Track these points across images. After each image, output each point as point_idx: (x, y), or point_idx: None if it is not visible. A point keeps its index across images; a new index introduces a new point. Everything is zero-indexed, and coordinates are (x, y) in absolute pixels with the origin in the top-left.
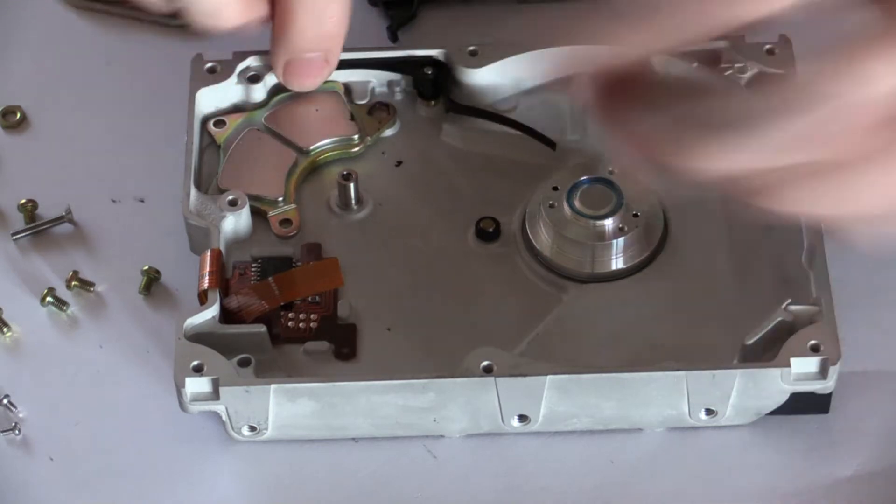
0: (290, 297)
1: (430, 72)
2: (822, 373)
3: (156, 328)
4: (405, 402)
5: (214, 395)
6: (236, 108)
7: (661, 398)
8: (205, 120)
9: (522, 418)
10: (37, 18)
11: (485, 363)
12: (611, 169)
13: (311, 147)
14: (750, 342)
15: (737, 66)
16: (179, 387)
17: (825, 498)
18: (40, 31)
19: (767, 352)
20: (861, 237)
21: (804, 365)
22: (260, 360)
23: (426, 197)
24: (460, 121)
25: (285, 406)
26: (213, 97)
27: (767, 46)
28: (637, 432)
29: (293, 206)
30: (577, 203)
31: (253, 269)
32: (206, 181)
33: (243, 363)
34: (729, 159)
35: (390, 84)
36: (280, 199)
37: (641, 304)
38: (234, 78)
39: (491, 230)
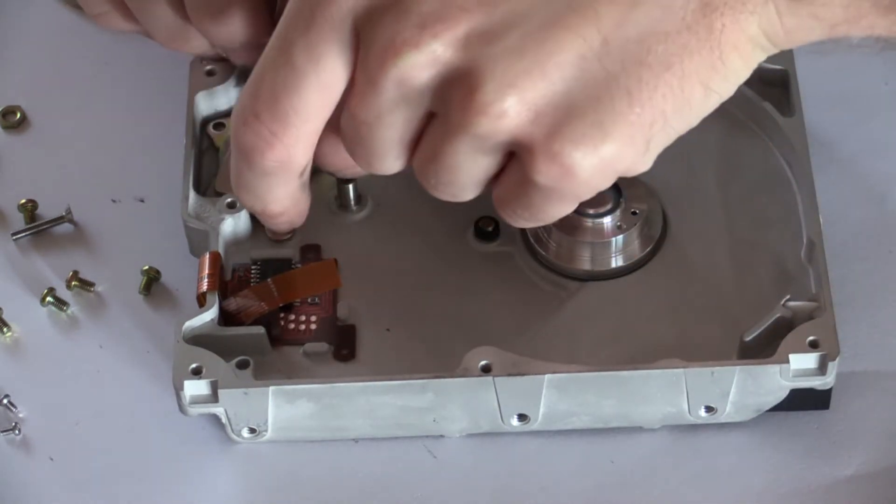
0: (288, 299)
1: None
2: (822, 369)
3: (156, 328)
4: (404, 403)
5: (213, 397)
6: None
7: (660, 396)
8: (204, 122)
9: (522, 417)
10: (37, 18)
11: (483, 362)
12: None
13: None
14: (749, 338)
15: None
16: (178, 390)
17: (825, 497)
18: (40, 31)
19: (766, 348)
20: None
21: (803, 361)
22: (259, 361)
23: (425, 197)
24: None
25: (284, 408)
26: (212, 100)
27: None
28: (637, 432)
29: None
30: None
31: (252, 271)
32: (206, 183)
33: (242, 365)
34: None
35: None
36: None
37: (640, 302)
38: (232, 80)
39: (490, 229)
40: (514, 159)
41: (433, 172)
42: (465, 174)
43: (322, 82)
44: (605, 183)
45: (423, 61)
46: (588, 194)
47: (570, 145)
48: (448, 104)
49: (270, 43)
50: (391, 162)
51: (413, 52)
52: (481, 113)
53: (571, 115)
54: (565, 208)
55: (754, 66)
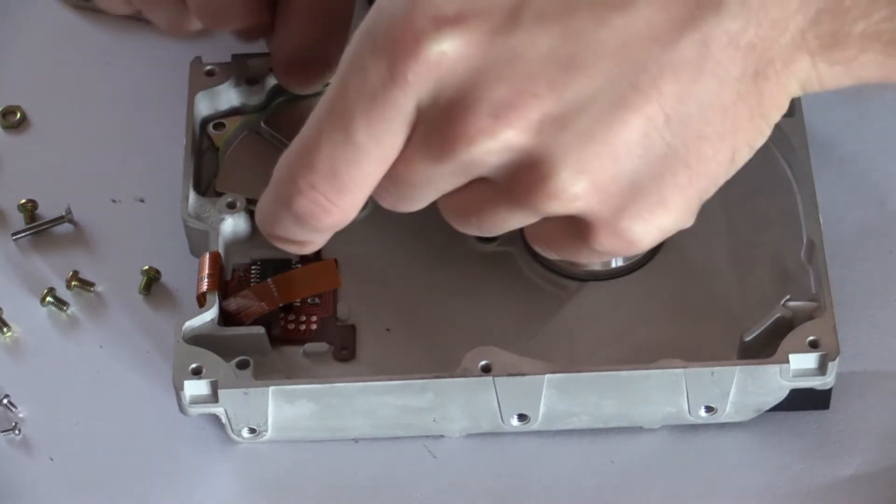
0: (288, 299)
1: None
2: (821, 369)
3: (156, 328)
4: (404, 403)
5: (213, 397)
6: (235, 111)
7: (660, 396)
8: (204, 122)
9: (522, 417)
10: (37, 18)
11: (483, 362)
12: None
13: None
14: (749, 338)
15: None
16: (178, 390)
17: (825, 497)
18: (40, 31)
19: (766, 348)
20: None
21: (803, 361)
22: (259, 361)
23: None
24: None
25: (284, 408)
26: (212, 100)
27: None
28: (637, 432)
29: None
30: None
31: (252, 272)
32: (206, 183)
33: (242, 365)
34: None
35: None
36: None
37: (641, 302)
38: (232, 80)
39: None
40: (571, 223)
41: (472, 223)
42: (508, 228)
43: (382, 156)
44: (657, 243)
45: (496, 148)
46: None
47: (632, 221)
48: (516, 183)
49: (325, 112)
50: (422, 205)
51: (487, 140)
52: (554, 197)
53: (635, 192)
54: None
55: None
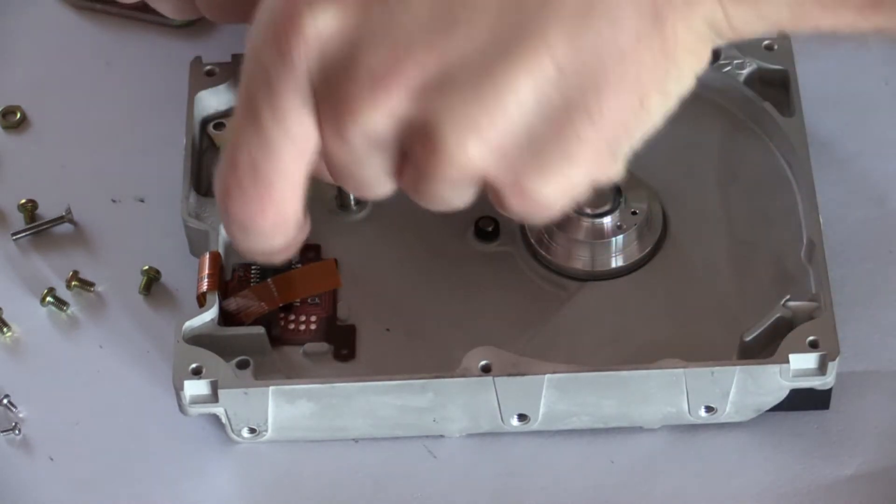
0: (288, 299)
1: None
2: (821, 369)
3: (156, 328)
4: (404, 403)
5: (213, 397)
6: None
7: (660, 395)
8: (204, 122)
9: (522, 417)
10: (37, 18)
11: (483, 362)
12: None
13: None
14: (749, 338)
15: (735, 62)
16: (178, 390)
17: (825, 497)
18: (40, 31)
19: (766, 348)
20: None
21: (803, 361)
22: (259, 361)
23: None
24: None
25: (284, 408)
26: (213, 100)
27: (766, 42)
28: (637, 432)
29: None
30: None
31: (252, 271)
32: (206, 184)
33: (242, 365)
34: None
35: None
36: None
37: (640, 302)
38: (232, 80)
39: (490, 229)
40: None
41: (420, 198)
42: (450, 199)
43: (295, 142)
44: (578, 198)
45: (381, 117)
46: (563, 210)
47: (536, 179)
48: (415, 154)
49: (237, 111)
50: (381, 189)
51: (369, 110)
52: (445, 162)
53: (535, 147)
54: (548, 219)
55: (708, 57)
